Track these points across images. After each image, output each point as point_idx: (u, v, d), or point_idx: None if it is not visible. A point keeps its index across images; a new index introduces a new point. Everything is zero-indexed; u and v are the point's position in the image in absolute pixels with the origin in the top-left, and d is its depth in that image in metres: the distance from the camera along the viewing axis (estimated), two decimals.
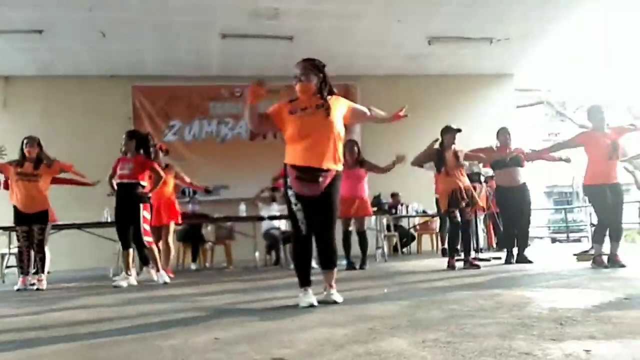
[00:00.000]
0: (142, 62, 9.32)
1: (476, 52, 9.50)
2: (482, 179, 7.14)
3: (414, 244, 9.17)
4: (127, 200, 5.39)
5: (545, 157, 5.91)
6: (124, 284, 5.20)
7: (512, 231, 5.90)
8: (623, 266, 4.75)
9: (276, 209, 7.17)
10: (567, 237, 12.82)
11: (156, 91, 9.95)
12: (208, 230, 7.83)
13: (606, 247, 4.94)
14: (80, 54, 8.85)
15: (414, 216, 8.84)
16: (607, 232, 4.91)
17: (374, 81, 9.99)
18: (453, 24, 8.39)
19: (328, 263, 3.21)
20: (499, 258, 6.15)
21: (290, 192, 3.12)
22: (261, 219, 7.22)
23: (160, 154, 6.21)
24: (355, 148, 6.15)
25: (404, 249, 8.90)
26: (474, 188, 6.12)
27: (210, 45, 8.78)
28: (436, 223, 8.54)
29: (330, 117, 3.15)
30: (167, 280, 5.41)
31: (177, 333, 2.41)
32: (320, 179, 3.07)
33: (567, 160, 5.78)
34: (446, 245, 6.42)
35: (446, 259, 5.61)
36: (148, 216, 5.54)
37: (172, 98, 10.01)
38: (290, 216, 3.18)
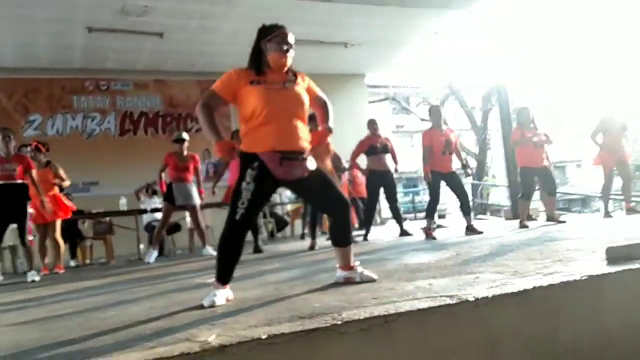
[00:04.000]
0: None
1: (334, 54, 10.54)
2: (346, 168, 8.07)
3: (287, 228, 9.97)
4: (13, 198, 5.35)
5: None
6: None
7: (374, 211, 6.94)
8: (480, 232, 5.77)
9: (157, 202, 7.41)
10: (415, 216, 14.63)
11: (12, 83, 9.44)
12: (85, 226, 7.78)
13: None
14: None
15: (287, 203, 9.63)
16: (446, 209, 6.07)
17: None
18: (314, 29, 9.26)
19: (347, 239, 2.87)
20: (361, 236, 7.12)
21: (249, 172, 2.60)
22: (144, 211, 7.42)
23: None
24: None
25: (279, 234, 9.63)
26: (339, 177, 7.01)
27: (75, 38, 8.58)
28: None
29: (300, 90, 2.76)
30: (37, 279, 5.34)
31: (111, 309, 2.81)
32: (305, 157, 2.72)
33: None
34: (306, 230, 7.25)
35: (304, 242, 6.35)
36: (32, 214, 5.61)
37: (31, 91, 9.57)
38: (233, 196, 2.63)
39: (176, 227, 8.09)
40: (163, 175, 6.81)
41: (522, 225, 6.24)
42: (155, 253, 6.53)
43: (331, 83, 11.58)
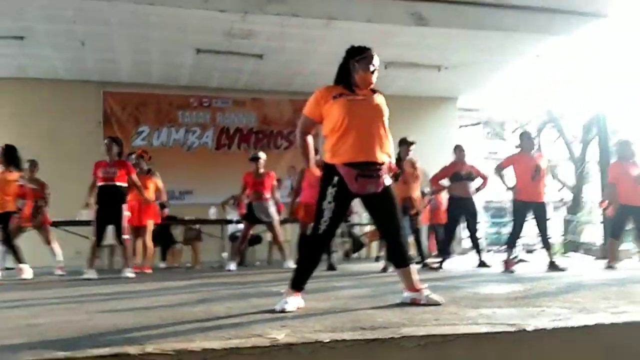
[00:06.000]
0: (114, 69, 9.80)
1: (426, 77, 10.62)
2: (428, 194, 8.05)
3: (363, 250, 10.07)
4: (113, 200, 5.97)
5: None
6: (94, 275, 5.78)
7: (452, 238, 6.86)
8: (563, 270, 5.54)
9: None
10: (500, 248, 14.12)
11: (126, 97, 10.44)
12: (177, 231, 8.42)
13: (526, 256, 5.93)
14: (55, 59, 9.25)
15: (365, 224, 9.76)
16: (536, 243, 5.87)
17: None
18: (407, 51, 9.41)
19: (403, 260, 2.99)
20: (438, 262, 7.08)
21: (330, 190, 2.85)
22: (230, 222, 7.92)
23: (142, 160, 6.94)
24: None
25: (355, 254, 9.77)
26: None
27: (184, 58, 9.37)
28: None
29: (380, 102, 2.98)
30: (131, 275, 5.88)
31: (197, 306, 3.12)
32: (381, 173, 2.90)
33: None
34: (382, 253, 7.31)
35: (378, 264, 6.43)
36: (127, 216, 6.19)
37: (141, 104, 10.52)
38: (316, 214, 2.89)
39: (257, 239, 8.53)
40: (243, 196, 7.20)
41: (609, 266, 5.92)
42: (234, 264, 6.93)
43: (421, 106, 11.67)
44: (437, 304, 2.89)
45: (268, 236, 8.26)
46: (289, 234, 8.26)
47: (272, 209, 7.02)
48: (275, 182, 7.17)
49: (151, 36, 8.46)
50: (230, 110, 11.01)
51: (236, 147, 10.96)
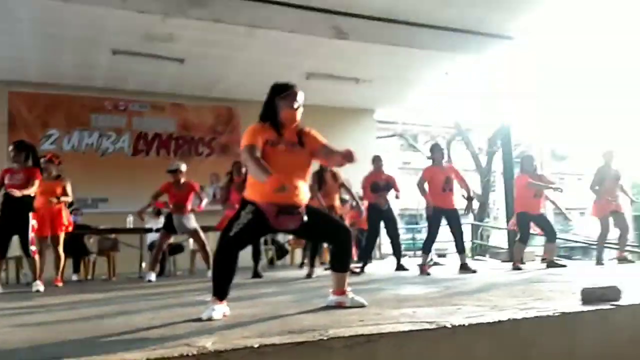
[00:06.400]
0: (22, 68, 9.15)
1: (345, 89, 10.89)
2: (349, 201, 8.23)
3: (287, 257, 10.11)
4: (17, 210, 5.56)
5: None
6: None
7: (373, 245, 7.09)
8: (474, 271, 5.89)
9: (162, 222, 7.60)
10: (414, 253, 14.72)
11: (34, 98, 9.76)
12: (90, 241, 7.98)
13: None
14: None
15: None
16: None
17: (255, 106, 10.62)
18: (327, 63, 9.62)
19: (346, 265, 3.12)
20: (358, 267, 7.26)
21: (252, 207, 2.89)
22: (149, 231, 7.63)
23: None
24: (243, 169, 6.86)
25: (279, 261, 9.78)
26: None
27: (99, 59, 8.95)
28: None
29: (305, 155, 3.05)
30: (41, 289, 5.52)
31: (116, 318, 3.00)
32: (300, 210, 2.97)
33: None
34: (306, 260, 7.40)
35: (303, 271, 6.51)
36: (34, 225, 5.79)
37: (51, 106, 9.89)
38: (232, 217, 2.93)
39: (178, 248, 8.29)
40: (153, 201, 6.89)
41: (515, 267, 6.38)
42: (153, 274, 6.65)
43: (341, 116, 11.91)
44: (361, 306, 2.98)
45: (190, 244, 8.07)
46: (211, 243, 8.10)
47: (192, 222, 6.84)
48: (198, 189, 6.98)
49: (64, 34, 8.00)
50: (148, 115, 10.63)
51: (155, 153, 10.59)
